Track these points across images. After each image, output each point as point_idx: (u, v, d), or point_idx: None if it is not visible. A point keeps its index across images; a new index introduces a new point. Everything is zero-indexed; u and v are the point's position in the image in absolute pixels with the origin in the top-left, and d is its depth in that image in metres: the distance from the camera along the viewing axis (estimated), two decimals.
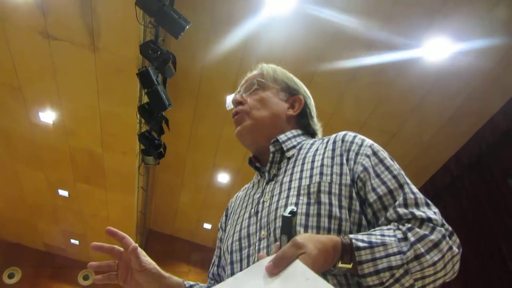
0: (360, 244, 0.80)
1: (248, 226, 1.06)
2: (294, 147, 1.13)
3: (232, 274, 1.02)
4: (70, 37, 4.40)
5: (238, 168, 6.58)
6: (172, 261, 8.65)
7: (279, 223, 0.95)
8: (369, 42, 4.49)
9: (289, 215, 0.78)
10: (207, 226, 8.30)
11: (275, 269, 0.71)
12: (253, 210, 1.08)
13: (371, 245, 0.80)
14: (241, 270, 1.00)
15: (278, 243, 0.79)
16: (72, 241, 8.11)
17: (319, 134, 1.27)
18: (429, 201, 0.91)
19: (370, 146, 1.02)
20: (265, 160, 1.17)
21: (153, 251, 8.60)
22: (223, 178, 6.93)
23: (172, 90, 4.90)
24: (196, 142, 6.26)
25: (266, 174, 1.13)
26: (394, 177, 0.94)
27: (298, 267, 0.70)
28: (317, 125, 1.28)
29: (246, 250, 1.02)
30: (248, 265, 0.98)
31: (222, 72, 5.13)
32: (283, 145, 1.13)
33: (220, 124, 5.81)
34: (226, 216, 1.28)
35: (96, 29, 4.27)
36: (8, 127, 5.71)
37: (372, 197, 0.93)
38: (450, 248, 0.84)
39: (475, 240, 5.00)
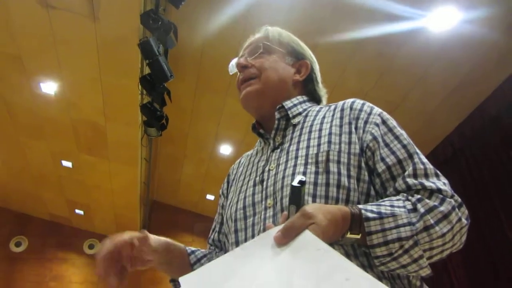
0: (370, 214, 0.79)
1: (253, 194, 1.03)
2: (300, 114, 1.11)
3: (237, 242, 1.02)
4: (69, 6, 4.32)
5: (241, 140, 6.59)
6: (175, 231, 8.79)
7: (286, 192, 0.94)
8: (372, 12, 4.40)
9: (298, 184, 0.76)
10: (210, 197, 8.39)
11: (284, 239, 0.70)
12: (258, 178, 1.06)
13: (381, 216, 0.79)
14: (245, 238, 1.00)
15: (285, 212, 0.78)
16: (77, 211, 8.23)
17: (324, 101, 1.26)
18: (438, 172, 0.90)
19: (379, 115, 1.01)
20: (269, 127, 1.14)
21: (157, 222, 8.74)
22: (225, 149, 6.95)
23: (174, 61, 4.86)
24: (199, 114, 6.25)
25: (271, 141, 1.10)
26: (404, 146, 0.93)
27: (308, 238, 0.69)
28: (323, 91, 1.26)
29: (251, 219, 1.00)
30: (253, 234, 0.97)
31: (224, 43, 5.06)
32: (288, 112, 1.10)
33: (223, 95, 5.78)
34: (228, 182, 1.27)
35: None
36: (10, 97, 5.70)
37: (381, 167, 0.91)
38: (459, 219, 0.84)
39: (475, 212, 5.05)
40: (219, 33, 4.89)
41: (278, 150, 1.06)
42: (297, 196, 0.77)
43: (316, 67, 1.26)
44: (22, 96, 5.60)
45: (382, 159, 0.92)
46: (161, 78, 4.35)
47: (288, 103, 1.12)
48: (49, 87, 5.37)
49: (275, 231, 0.72)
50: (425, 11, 4.30)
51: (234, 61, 1.27)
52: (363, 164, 0.94)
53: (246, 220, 1.02)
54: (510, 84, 4.82)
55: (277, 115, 1.10)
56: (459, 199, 0.86)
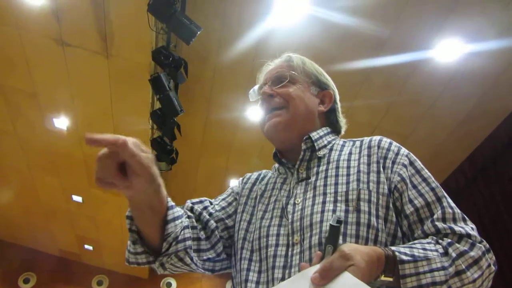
0: (404, 257, 0.78)
1: (278, 226, 0.99)
2: (325, 146, 1.09)
3: (248, 270, 0.99)
4: (83, 43, 4.46)
5: (250, 173, 6.58)
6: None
7: (316, 230, 0.91)
8: (380, 44, 4.47)
9: (337, 224, 0.75)
10: None
11: (322, 280, 0.69)
12: (281, 210, 1.02)
13: (415, 259, 0.78)
14: (260, 269, 0.97)
15: (319, 252, 0.76)
16: (86, 246, 8.17)
17: (343, 131, 1.23)
18: (466, 217, 0.89)
19: (406, 155, 1.01)
20: (292, 157, 1.11)
21: None
22: (235, 183, 6.93)
23: (184, 95, 4.93)
24: (208, 148, 6.28)
25: (295, 172, 1.07)
26: (432, 189, 0.93)
27: (348, 279, 0.67)
28: (343, 122, 1.23)
29: (273, 249, 0.96)
30: (272, 265, 0.94)
31: (234, 78, 5.15)
32: (315, 144, 1.08)
33: (232, 129, 5.82)
34: (242, 189, 1.22)
35: (109, 35, 4.33)
36: (23, 133, 5.80)
37: (408, 208, 0.91)
38: (489, 265, 0.84)
39: (492, 242, 4.92)
40: (229, 68, 4.99)
41: (304, 183, 1.03)
42: (335, 236, 0.75)
43: (338, 98, 1.24)
44: (35, 131, 5.70)
45: (410, 201, 0.91)
46: (171, 112, 4.41)
47: (314, 135, 1.10)
48: (62, 122, 5.47)
49: (311, 271, 0.71)
50: (432, 43, 4.36)
51: (256, 88, 1.23)
52: (390, 205, 0.93)
53: (267, 249, 0.98)
54: None
55: (303, 146, 1.08)
56: (487, 245, 0.86)
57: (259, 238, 1.01)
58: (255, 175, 1.26)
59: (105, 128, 5.40)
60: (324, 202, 0.94)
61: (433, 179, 0.96)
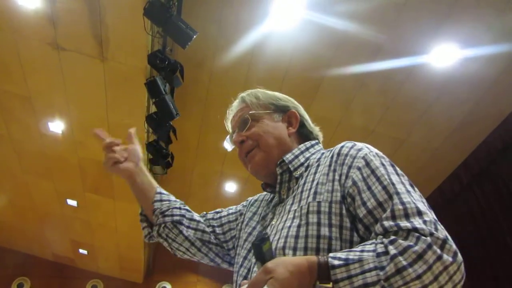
0: (336, 262, 0.78)
1: (243, 259, 1.13)
2: (301, 164, 1.12)
3: (235, 281, 1.13)
4: (79, 47, 4.45)
5: (246, 177, 6.57)
6: (180, 271, 8.62)
7: (275, 245, 0.98)
8: (376, 49, 4.49)
9: (258, 242, 0.81)
10: None
11: None
12: (248, 239, 1.16)
13: (347, 263, 0.78)
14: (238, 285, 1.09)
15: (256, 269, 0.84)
16: (81, 251, 8.12)
17: (320, 138, 1.28)
18: (422, 209, 0.85)
19: (363, 157, 0.98)
20: (274, 184, 1.18)
21: (161, 262, 8.59)
22: (230, 187, 6.92)
23: (180, 99, 4.93)
24: (204, 151, 6.27)
25: (277, 196, 1.13)
26: (384, 188, 0.89)
27: None
28: (316, 129, 1.28)
29: (246, 270, 1.09)
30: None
31: (230, 81, 5.15)
32: (289, 165, 1.12)
33: (227, 133, 5.81)
34: (245, 210, 1.34)
35: (104, 39, 4.32)
36: (18, 137, 5.76)
37: (362, 211, 0.90)
38: (439, 257, 0.77)
39: (487, 245, 4.93)
40: (225, 71, 4.99)
41: (282, 204, 1.09)
42: (260, 253, 0.81)
43: (302, 110, 1.29)
44: (30, 135, 5.66)
45: (363, 204, 0.90)
46: (167, 116, 4.39)
47: (288, 156, 1.14)
48: (57, 126, 5.44)
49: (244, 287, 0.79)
50: (428, 48, 4.38)
51: (227, 140, 1.36)
52: (344, 211, 0.93)
53: (245, 268, 1.10)
54: None
55: (279, 171, 1.13)
56: (441, 236, 0.80)
57: (244, 258, 1.12)
58: (255, 197, 1.35)
59: None
60: (285, 220, 1.00)
61: (387, 176, 0.91)
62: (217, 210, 1.42)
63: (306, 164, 1.12)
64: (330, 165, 1.02)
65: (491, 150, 5.08)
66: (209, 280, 8.62)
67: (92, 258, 8.25)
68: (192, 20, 3.98)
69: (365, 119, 5.31)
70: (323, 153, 1.13)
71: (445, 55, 4.39)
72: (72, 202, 6.84)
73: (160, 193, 1.37)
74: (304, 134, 1.23)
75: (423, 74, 4.64)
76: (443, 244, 0.79)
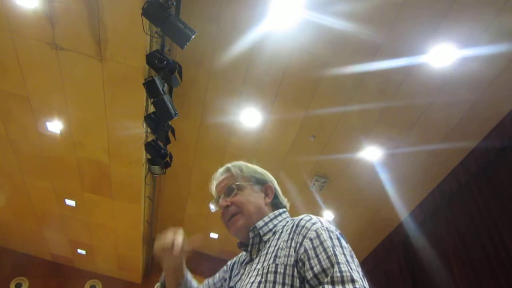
0: None
1: None
2: (270, 230, 1.35)
3: None
4: (77, 47, 4.44)
5: None
6: None
7: None
8: (374, 48, 4.50)
9: None
10: (214, 235, 8.27)
11: None
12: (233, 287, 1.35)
13: None
14: None
15: None
16: (79, 251, 8.11)
17: (288, 207, 1.51)
18: (355, 278, 1.05)
19: (315, 230, 1.19)
20: (247, 245, 1.40)
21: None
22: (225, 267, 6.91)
23: (179, 99, 4.93)
24: (202, 151, 6.27)
25: (248, 255, 1.35)
26: (328, 257, 1.10)
27: None
28: (285, 200, 1.50)
29: None
30: None
31: (228, 81, 5.15)
32: (260, 231, 1.34)
33: (227, 133, 5.82)
34: (229, 268, 1.58)
35: (103, 39, 4.31)
36: (16, 136, 5.75)
37: (309, 274, 1.10)
38: None
39: (485, 245, 4.94)
40: (223, 71, 4.99)
41: (249, 264, 1.31)
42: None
43: (276, 185, 1.52)
44: (28, 135, 5.66)
45: (311, 268, 1.11)
46: (165, 116, 4.40)
47: (260, 223, 1.36)
48: (55, 126, 5.43)
49: None
50: (426, 48, 4.39)
51: (212, 202, 1.60)
52: (295, 273, 1.14)
53: None
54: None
55: (251, 235, 1.35)
56: None
57: None
58: (233, 260, 1.58)
59: (99, 132, 5.38)
60: (250, 277, 1.21)
61: (331, 248, 1.13)
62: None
63: (273, 230, 1.34)
64: (290, 233, 1.24)
65: (489, 150, 5.09)
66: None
67: (90, 258, 8.24)
68: (190, 20, 3.98)
69: (363, 119, 5.32)
70: (287, 221, 1.35)
71: (443, 55, 4.40)
72: (70, 202, 6.83)
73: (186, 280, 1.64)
74: (276, 204, 1.47)
75: (421, 74, 4.65)
76: None
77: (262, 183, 1.49)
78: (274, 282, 1.13)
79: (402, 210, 6.54)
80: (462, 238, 5.40)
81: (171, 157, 5.13)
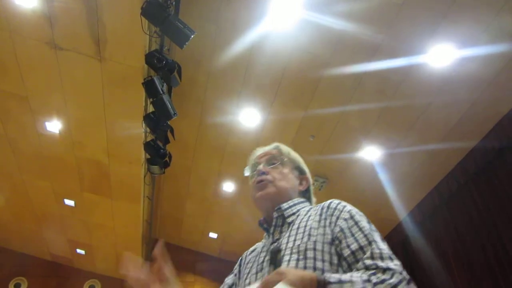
0: (332, 279, 0.99)
1: (255, 280, 1.25)
2: (293, 214, 1.37)
3: None
4: (76, 47, 4.44)
5: (244, 177, 6.56)
6: (177, 271, 8.47)
7: None
8: (373, 48, 4.50)
9: (276, 250, 1.05)
10: (213, 235, 8.27)
11: None
12: (259, 267, 1.30)
13: (341, 281, 0.99)
14: None
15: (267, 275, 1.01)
16: (78, 251, 8.10)
17: (314, 203, 1.52)
18: (392, 256, 1.10)
19: (348, 212, 1.25)
20: (269, 224, 1.41)
21: None
22: (228, 187, 6.92)
23: (178, 99, 4.93)
24: (202, 151, 6.27)
25: (271, 236, 1.35)
26: (365, 236, 1.16)
27: (281, 287, 0.86)
28: (314, 200, 1.53)
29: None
30: None
31: (228, 81, 5.15)
32: (284, 212, 1.36)
33: (226, 133, 5.82)
34: (240, 265, 1.52)
35: (102, 39, 4.31)
36: (15, 136, 5.75)
37: (346, 252, 1.15)
38: None
39: (484, 245, 4.95)
40: (222, 71, 4.99)
41: (275, 244, 1.30)
42: (273, 259, 1.08)
43: (311, 182, 1.55)
44: (27, 135, 5.65)
45: (348, 246, 1.15)
46: (164, 116, 4.39)
47: (284, 205, 1.38)
48: (54, 126, 5.43)
49: (255, 285, 0.91)
50: (425, 48, 4.39)
51: (248, 169, 1.57)
52: (333, 251, 1.18)
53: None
54: (511, 118, 4.84)
55: (275, 215, 1.37)
56: (407, 277, 1.05)
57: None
58: (249, 250, 1.54)
59: (98, 132, 5.38)
60: (283, 256, 1.21)
61: (367, 227, 1.19)
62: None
63: (297, 214, 1.37)
64: (320, 215, 1.28)
65: (488, 150, 5.09)
66: (207, 280, 8.62)
67: (89, 258, 8.23)
68: (189, 20, 3.98)
69: (363, 119, 5.32)
70: (310, 207, 1.39)
71: (443, 55, 4.40)
72: (69, 202, 6.83)
73: None
74: (305, 197, 1.50)
75: (421, 74, 4.65)
76: (409, 282, 1.04)
77: (301, 172, 1.53)
78: (314, 258, 1.16)
79: (401, 210, 6.55)
80: (461, 238, 5.40)
81: (170, 157, 5.13)
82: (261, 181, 1.43)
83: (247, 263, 1.45)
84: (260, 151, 1.58)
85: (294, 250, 1.21)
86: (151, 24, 3.94)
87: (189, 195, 7.25)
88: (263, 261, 1.30)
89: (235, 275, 1.52)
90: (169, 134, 4.78)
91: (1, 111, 5.37)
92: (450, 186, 5.73)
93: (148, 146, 4.95)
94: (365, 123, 5.36)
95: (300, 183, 1.50)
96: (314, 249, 1.18)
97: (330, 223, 1.24)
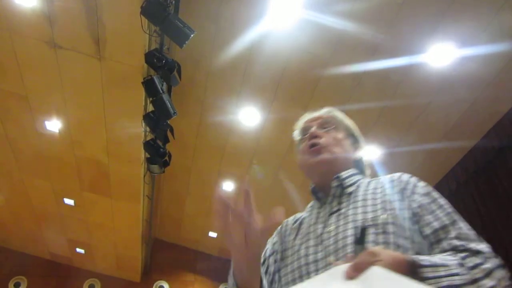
0: (425, 262, 0.88)
1: (315, 253, 1.14)
2: (352, 184, 1.25)
3: None
4: (76, 46, 4.43)
5: (243, 176, 6.57)
6: (177, 270, 8.62)
7: (349, 249, 1.05)
8: (373, 48, 4.49)
9: (364, 228, 0.95)
10: (212, 234, 8.27)
11: (355, 272, 0.75)
12: (318, 238, 1.17)
13: (435, 265, 0.88)
14: None
15: (350, 254, 0.88)
16: (78, 250, 8.10)
17: (368, 175, 1.41)
18: (479, 239, 1.02)
19: (424, 187, 1.17)
20: (325, 193, 1.28)
21: (159, 260, 8.59)
22: (228, 186, 6.92)
23: (178, 98, 4.92)
24: (201, 150, 6.27)
25: (328, 207, 1.23)
26: (448, 214, 1.07)
27: (378, 271, 0.74)
28: (368, 172, 1.40)
29: (314, 275, 1.08)
30: None
31: (227, 80, 5.15)
32: (343, 182, 1.25)
33: (226, 132, 5.82)
34: (280, 236, 1.34)
35: (101, 38, 4.31)
36: (14, 135, 5.74)
37: (427, 230, 1.05)
38: (503, 277, 0.93)
39: None
40: (222, 71, 4.98)
41: (335, 215, 1.18)
42: (363, 238, 0.94)
43: (364, 152, 1.44)
44: (27, 134, 5.65)
45: (429, 224, 1.05)
46: (164, 115, 4.39)
47: (343, 174, 1.26)
48: (54, 125, 5.42)
49: (344, 266, 0.78)
50: (425, 47, 4.39)
51: (300, 132, 1.43)
52: (415, 227, 1.07)
53: (310, 275, 1.10)
54: (511, 118, 4.84)
55: (334, 184, 1.25)
56: (500, 261, 0.96)
57: (299, 267, 1.14)
58: (289, 219, 1.40)
59: (97, 131, 5.37)
60: (355, 227, 1.10)
61: (447, 206, 1.10)
62: (264, 263, 1.28)
63: (356, 184, 1.25)
64: (392, 188, 1.17)
65: (488, 149, 5.10)
66: (207, 279, 8.62)
67: (89, 257, 8.23)
68: (189, 19, 3.97)
69: (362, 119, 5.31)
70: (370, 180, 1.27)
71: (443, 54, 4.40)
72: (69, 201, 6.83)
73: None
74: (359, 168, 1.38)
75: (420, 73, 4.65)
76: (503, 267, 0.95)
77: (356, 140, 1.41)
78: (395, 234, 1.04)
79: None
80: None
81: (170, 156, 5.13)
82: (315, 145, 1.30)
83: (289, 234, 1.30)
84: (312, 114, 1.45)
85: (367, 223, 1.09)
86: (150, 23, 3.93)
87: (189, 194, 7.25)
88: (321, 233, 1.16)
89: (273, 244, 1.32)
90: (168, 134, 4.78)
91: (0, 110, 5.37)
92: (450, 185, 5.73)
93: (147, 145, 4.95)
94: (365, 123, 5.35)
95: (355, 152, 1.38)
96: (394, 223, 1.06)
97: (406, 197, 1.13)
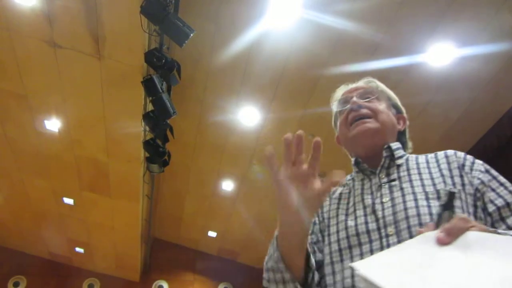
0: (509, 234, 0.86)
1: (365, 223, 1.08)
2: (401, 157, 1.21)
3: (343, 269, 1.05)
4: (75, 45, 4.43)
5: (243, 176, 6.57)
6: (177, 269, 8.62)
7: (413, 221, 1.00)
8: (373, 47, 4.49)
9: (451, 194, 0.93)
10: (212, 234, 8.27)
11: (448, 238, 0.72)
12: (368, 209, 1.11)
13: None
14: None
15: (431, 223, 0.85)
16: (77, 249, 8.10)
17: (410, 150, 1.36)
18: None
19: (482, 164, 1.14)
20: (372, 164, 1.22)
21: (158, 260, 8.59)
22: (227, 185, 6.92)
23: (177, 97, 4.92)
24: (201, 150, 6.27)
25: (376, 178, 1.18)
26: (510, 192, 1.04)
27: (474, 236, 0.71)
28: (410, 144, 1.37)
29: (368, 245, 1.04)
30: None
31: (227, 80, 5.14)
32: (394, 153, 1.20)
33: (225, 131, 5.82)
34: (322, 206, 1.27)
35: (101, 37, 4.30)
36: (13, 135, 5.74)
37: (491, 207, 1.02)
38: None
39: None
40: (222, 70, 4.98)
41: (387, 186, 1.13)
42: (451, 202, 0.94)
43: (408, 124, 1.38)
44: (26, 134, 5.64)
45: (491, 201, 1.03)
46: (164, 115, 4.39)
47: (394, 145, 1.22)
48: (53, 124, 5.42)
49: (433, 233, 0.75)
50: (424, 47, 4.39)
51: (340, 99, 1.41)
52: (478, 203, 1.05)
53: (362, 246, 1.05)
54: (511, 117, 4.84)
55: (384, 154, 1.19)
56: None
57: (347, 237, 1.09)
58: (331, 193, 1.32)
59: (97, 130, 5.37)
60: (416, 200, 1.05)
61: (509, 184, 1.07)
62: (313, 238, 1.21)
63: (405, 158, 1.21)
64: (449, 163, 1.15)
65: (487, 149, 5.10)
66: (206, 279, 8.63)
67: (88, 257, 8.23)
68: (189, 18, 3.97)
69: None
70: (417, 156, 1.23)
71: (442, 53, 4.40)
72: (68, 201, 6.82)
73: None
74: (402, 141, 1.32)
75: (420, 73, 4.65)
76: None
77: (399, 110, 1.36)
78: (462, 209, 1.02)
79: None
80: None
81: (169, 156, 5.13)
82: (359, 115, 1.25)
83: (330, 203, 1.23)
84: (350, 86, 1.41)
85: (431, 196, 1.05)
86: (150, 22, 3.93)
87: (189, 193, 7.25)
88: (372, 203, 1.10)
89: (315, 224, 1.22)
90: (168, 133, 4.78)
91: (0, 110, 5.37)
92: None
93: (147, 144, 4.95)
94: None
95: (398, 123, 1.32)
96: (460, 198, 1.03)
97: (465, 173, 1.11)
